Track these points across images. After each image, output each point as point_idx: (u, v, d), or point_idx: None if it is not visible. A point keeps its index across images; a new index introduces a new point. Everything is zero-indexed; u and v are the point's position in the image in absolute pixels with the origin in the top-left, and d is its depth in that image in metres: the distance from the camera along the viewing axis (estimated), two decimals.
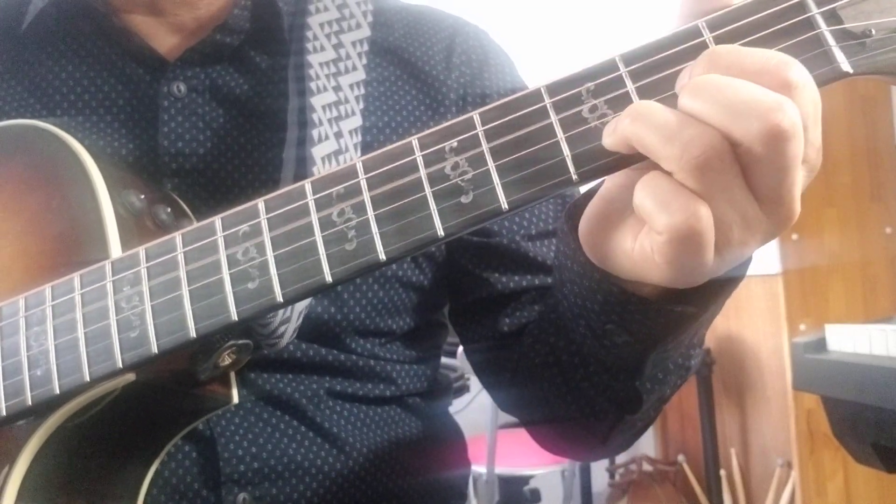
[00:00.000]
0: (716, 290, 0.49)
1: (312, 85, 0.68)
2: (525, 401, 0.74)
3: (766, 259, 2.39)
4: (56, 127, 0.60)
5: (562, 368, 0.66)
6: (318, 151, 0.64)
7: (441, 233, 0.43)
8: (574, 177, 0.41)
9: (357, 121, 0.69)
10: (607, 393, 0.63)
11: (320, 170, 0.63)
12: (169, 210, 0.60)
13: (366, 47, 0.73)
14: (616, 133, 0.40)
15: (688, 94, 0.39)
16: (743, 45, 0.40)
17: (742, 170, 0.39)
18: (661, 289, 0.49)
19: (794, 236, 2.40)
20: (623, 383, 0.60)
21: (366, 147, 0.69)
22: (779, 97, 0.37)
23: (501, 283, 0.73)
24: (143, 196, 0.58)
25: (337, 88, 0.69)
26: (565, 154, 0.41)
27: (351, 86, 0.70)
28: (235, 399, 0.60)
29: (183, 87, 0.69)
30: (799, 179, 0.39)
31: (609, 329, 0.54)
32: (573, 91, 0.42)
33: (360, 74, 0.72)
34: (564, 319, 0.61)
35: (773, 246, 2.37)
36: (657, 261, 0.41)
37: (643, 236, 0.43)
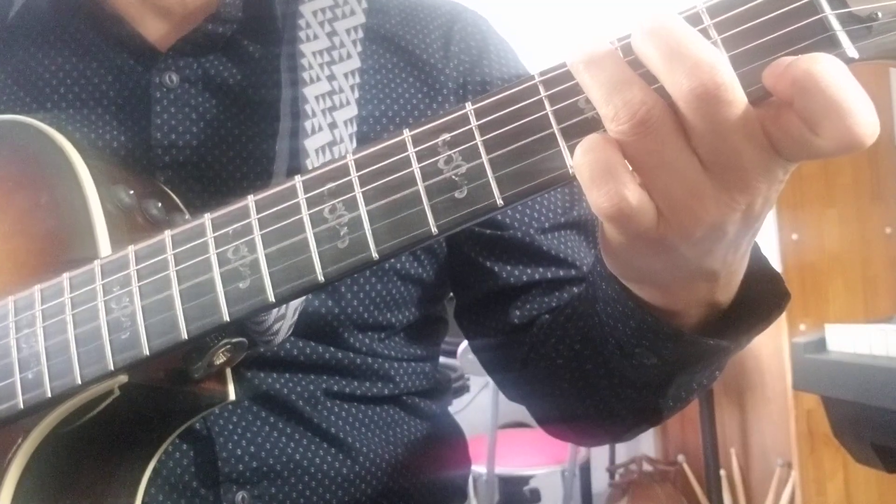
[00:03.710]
0: (749, 325, 0.49)
1: (305, 75, 0.67)
2: (537, 393, 0.74)
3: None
4: (45, 121, 0.59)
5: (585, 374, 0.66)
6: (311, 143, 0.63)
7: (434, 230, 0.42)
8: (570, 170, 0.40)
9: (352, 110, 0.68)
10: (628, 403, 0.63)
11: (314, 162, 0.63)
12: (160, 205, 0.59)
13: (360, 34, 0.72)
14: (572, 69, 0.40)
15: (642, 32, 0.39)
16: (745, 30, 0.39)
17: (684, 130, 0.38)
18: (695, 322, 0.50)
19: (794, 236, 2.39)
20: (646, 399, 0.61)
21: (361, 137, 0.68)
22: (716, 58, 0.37)
23: (514, 275, 0.73)
24: (132, 191, 0.57)
25: (331, 78, 0.68)
26: (561, 146, 0.41)
27: (345, 74, 0.69)
28: (232, 395, 0.60)
29: (175, 78, 0.68)
30: (746, 151, 0.38)
31: (639, 352, 0.54)
32: (569, 82, 0.41)
33: (355, 63, 0.70)
34: (594, 332, 0.61)
35: (773, 246, 2.36)
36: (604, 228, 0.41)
37: None
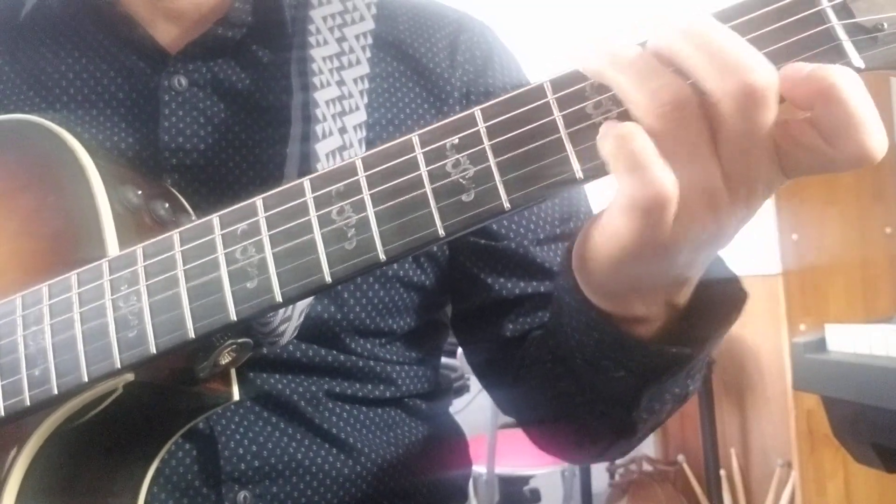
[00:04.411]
0: (710, 329, 0.50)
1: (316, 80, 0.67)
2: (526, 405, 0.74)
3: (766, 259, 2.38)
4: (54, 121, 0.59)
5: (558, 392, 0.65)
6: (322, 147, 0.63)
7: (441, 232, 0.42)
8: (578, 175, 0.41)
9: (361, 116, 0.68)
10: (603, 419, 0.63)
11: (324, 166, 0.63)
12: (167, 206, 0.59)
13: (369, 40, 0.73)
14: (597, 73, 0.40)
15: (678, 32, 0.38)
16: (752, 39, 0.39)
17: (711, 133, 0.38)
18: (657, 329, 0.50)
19: (794, 236, 2.39)
20: (619, 413, 0.60)
21: (369, 143, 0.68)
22: (763, 60, 0.37)
23: (507, 288, 0.73)
24: (140, 192, 0.57)
25: (340, 83, 0.68)
26: (569, 151, 0.41)
27: (355, 80, 0.69)
28: (236, 396, 0.60)
29: (184, 81, 0.69)
30: (765, 162, 0.38)
31: (605, 364, 0.54)
32: (577, 87, 0.41)
33: (364, 68, 0.71)
34: (563, 348, 0.61)
35: (773, 246, 2.36)
36: (615, 221, 0.41)
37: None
